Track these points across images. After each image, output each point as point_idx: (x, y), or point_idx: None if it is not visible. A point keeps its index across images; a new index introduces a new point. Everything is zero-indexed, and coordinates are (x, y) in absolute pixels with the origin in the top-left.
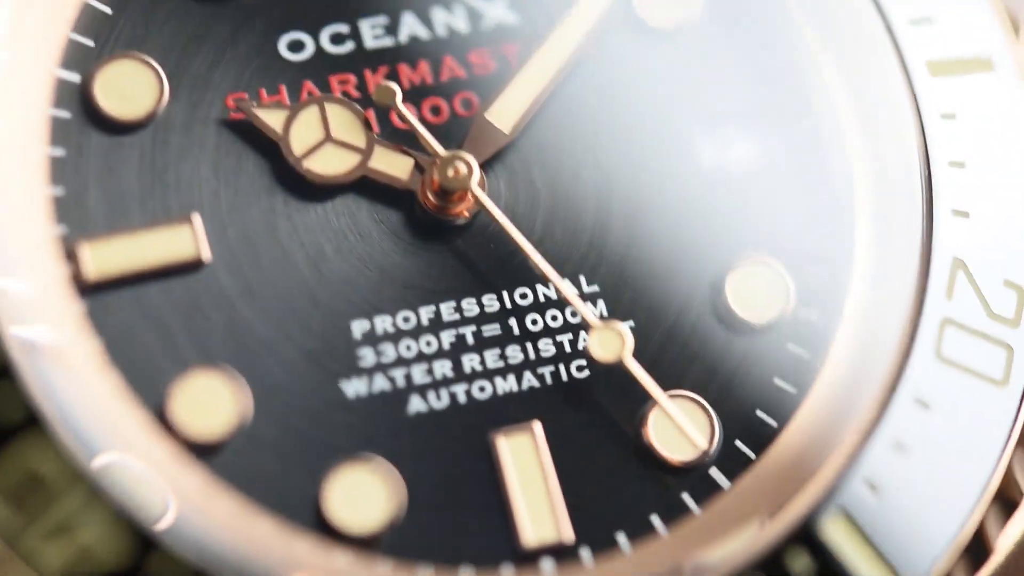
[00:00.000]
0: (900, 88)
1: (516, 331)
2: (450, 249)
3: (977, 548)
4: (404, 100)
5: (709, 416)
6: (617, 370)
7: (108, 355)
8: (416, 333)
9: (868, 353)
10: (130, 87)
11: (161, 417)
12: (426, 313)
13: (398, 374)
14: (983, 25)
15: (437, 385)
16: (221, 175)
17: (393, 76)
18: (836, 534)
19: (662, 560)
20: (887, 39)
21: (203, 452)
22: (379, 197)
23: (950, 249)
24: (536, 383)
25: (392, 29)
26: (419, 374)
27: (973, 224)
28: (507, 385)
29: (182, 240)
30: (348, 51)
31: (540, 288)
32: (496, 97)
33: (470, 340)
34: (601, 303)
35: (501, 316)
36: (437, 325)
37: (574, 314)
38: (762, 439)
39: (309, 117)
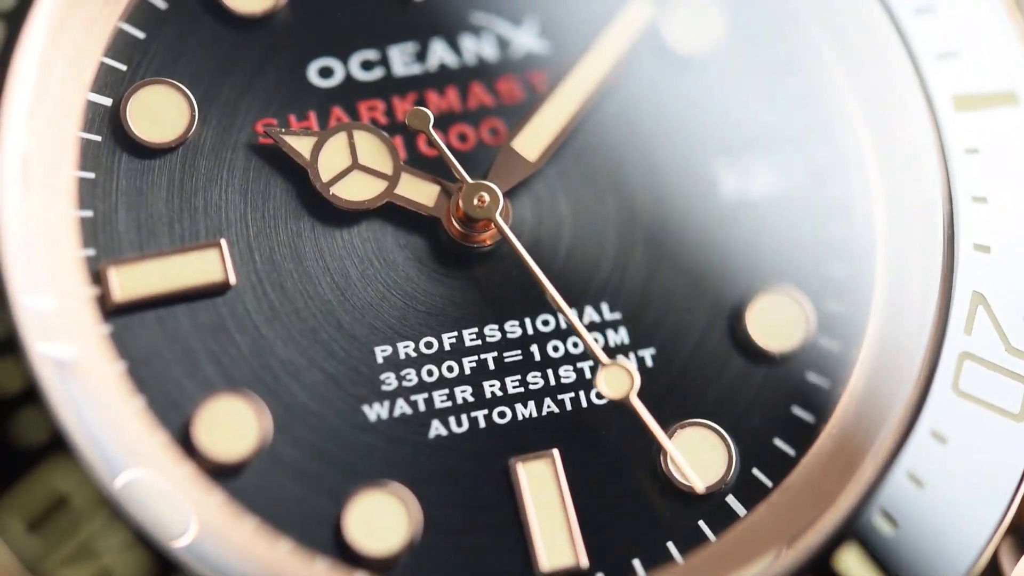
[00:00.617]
0: (924, 122)
1: (537, 357)
2: (473, 276)
3: None
4: (432, 126)
5: (727, 444)
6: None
7: (132, 377)
8: (438, 358)
9: (887, 385)
10: (161, 112)
11: (184, 438)
12: (448, 339)
13: (419, 399)
14: (1009, 58)
15: (458, 410)
16: (249, 200)
17: (421, 103)
18: (852, 564)
19: None
20: (913, 73)
21: (224, 474)
22: (405, 223)
23: (970, 283)
24: (556, 409)
25: (421, 56)
26: (440, 399)
27: (994, 259)
28: (527, 411)
29: (209, 264)
30: (377, 78)
31: (562, 315)
32: (523, 126)
33: (491, 366)
34: (623, 330)
35: (523, 343)
36: (459, 351)
37: (595, 341)
38: (780, 468)
39: (337, 144)
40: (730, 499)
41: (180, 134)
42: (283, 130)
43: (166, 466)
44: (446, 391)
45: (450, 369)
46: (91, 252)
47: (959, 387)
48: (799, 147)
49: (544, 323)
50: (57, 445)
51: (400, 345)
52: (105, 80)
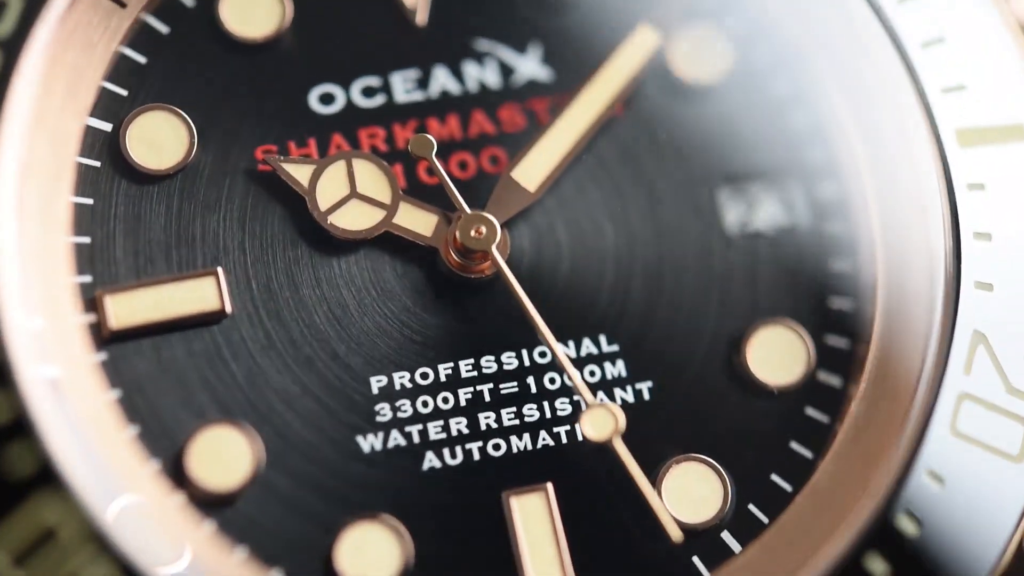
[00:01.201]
0: (929, 157)
1: (534, 390)
2: (471, 306)
3: None
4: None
5: (723, 479)
6: (629, 434)
7: (124, 405)
8: (434, 390)
9: (885, 422)
10: (161, 138)
11: (176, 468)
12: (444, 370)
13: (414, 430)
14: (1016, 92)
15: (452, 442)
16: (247, 227)
17: (422, 130)
18: None
19: None
20: (919, 107)
21: (216, 503)
22: (403, 252)
23: (971, 322)
24: (551, 442)
25: (423, 83)
26: (435, 430)
27: (996, 297)
28: (521, 444)
29: (206, 292)
30: (379, 104)
31: (550, 351)
32: (523, 156)
33: (487, 397)
34: (620, 363)
35: (519, 374)
36: (455, 382)
37: (592, 374)
38: (776, 504)
39: (336, 172)
40: (725, 535)
41: (179, 161)
42: (282, 158)
43: (157, 496)
44: (441, 422)
45: (445, 400)
46: (87, 279)
47: (957, 428)
48: (801, 179)
49: (541, 355)
50: (46, 477)
51: (396, 375)
52: (105, 105)
